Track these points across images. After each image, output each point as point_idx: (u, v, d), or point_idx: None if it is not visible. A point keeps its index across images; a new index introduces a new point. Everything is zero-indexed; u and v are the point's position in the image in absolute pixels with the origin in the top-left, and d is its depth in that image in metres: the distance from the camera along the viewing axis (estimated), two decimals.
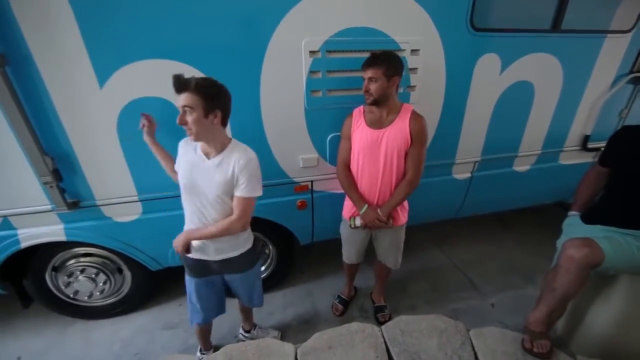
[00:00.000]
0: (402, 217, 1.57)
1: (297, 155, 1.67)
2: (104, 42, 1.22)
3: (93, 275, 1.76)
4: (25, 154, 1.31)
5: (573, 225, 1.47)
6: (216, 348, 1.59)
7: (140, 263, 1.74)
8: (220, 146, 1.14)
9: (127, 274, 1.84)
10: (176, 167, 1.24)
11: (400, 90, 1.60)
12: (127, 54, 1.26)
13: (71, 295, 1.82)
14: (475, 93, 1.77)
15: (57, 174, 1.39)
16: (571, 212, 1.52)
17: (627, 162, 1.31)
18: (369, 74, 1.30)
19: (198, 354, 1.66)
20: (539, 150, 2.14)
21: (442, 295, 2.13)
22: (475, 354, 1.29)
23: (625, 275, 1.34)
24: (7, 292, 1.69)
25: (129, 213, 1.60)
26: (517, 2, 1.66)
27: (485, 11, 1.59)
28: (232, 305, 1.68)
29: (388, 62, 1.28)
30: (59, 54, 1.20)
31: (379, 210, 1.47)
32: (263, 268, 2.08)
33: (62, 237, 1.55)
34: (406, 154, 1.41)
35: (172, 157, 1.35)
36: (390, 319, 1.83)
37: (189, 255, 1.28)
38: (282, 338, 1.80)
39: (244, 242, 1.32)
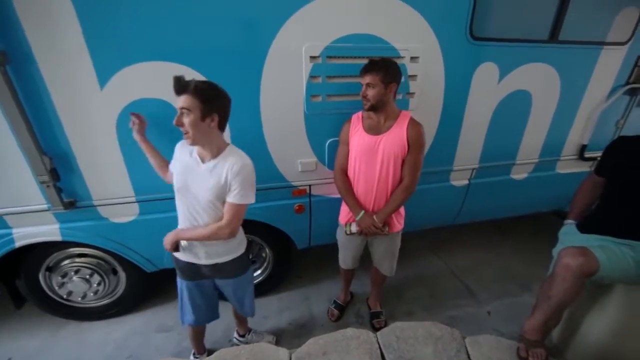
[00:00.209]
0: (398, 224, 1.57)
1: (296, 160, 1.67)
2: (106, 42, 1.23)
3: (87, 276, 1.75)
4: (23, 152, 1.31)
5: (569, 234, 1.47)
6: (210, 352, 1.57)
7: (136, 264, 1.73)
8: (215, 150, 1.13)
9: (122, 275, 1.82)
10: (171, 168, 1.24)
11: (400, 96, 1.62)
12: (129, 55, 1.27)
13: (65, 296, 1.80)
14: (473, 101, 1.78)
15: (54, 174, 1.38)
16: (567, 221, 1.53)
17: (622, 172, 1.33)
18: (366, 80, 1.31)
19: (191, 357, 1.65)
20: (537, 158, 2.15)
21: (439, 301, 2.12)
22: None
23: (621, 284, 1.34)
24: None
25: (125, 214, 1.59)
26: (515, 12, 1.69)
27: (484, 20, 1.61)
28: (227, 309, 1.67)
29: (386, 69, 1.29)
30: (61, 53, 1.21)
31: (374, 217, 1.47)
32: (259, 271, 2.07)
33: (57, 237, 1.54)
34: (403, 161, 1.41)
35: (163, 157, 1.36)
36: (386, 325, 1.82)
37: (180, 258, 1.28)
38: (277, 343, 1.79)
39: (237, 247, 1.31)
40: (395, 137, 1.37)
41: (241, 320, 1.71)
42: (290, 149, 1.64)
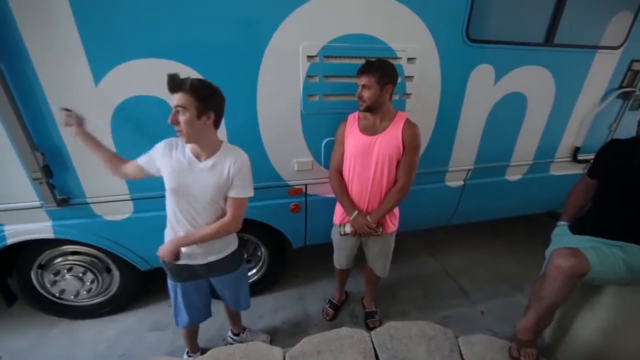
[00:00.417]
0: (392, 225, 1.57)
1: (292, 159, 1.67)
2: (101, 39, 1.22)
3: (80, 274, 1.73)
4: (15, 148, 1.29)
5: (561, 235, 1.49)
6: (204, 350, 1.57)
7: (130, 262, 1.72)
8: (211, 148, 1.13)
9: (116, 273, 1.81)
10: (142, 163, 1.18)
11: (396, 97, 1.62)
12: (125, 52, 1.26)
13: (57, 294, 1.78)
14: (469, 102, 1.79)
15: (47, 170, 1.37)
16: (560, 222, 1.55)
17: (614, 174, 1.35)
18: (362, 80, 1.31)
19: (185, 356, 1.64)
20: (531, 160, 2.17)
21: (433, 301, 2.13)
22: None
23: (611, 285, 1.36)
24: None
25: (119, 212, 1.58)
26: (511, 15, 1.70)
27: (481, 23, 1.62)
28: (221, 308, 1.67)
29: (382, 71, 1.30)
30: (55, 49, 1.19)
31: (368, 217, 1.47)
32: (254, 270, 2.07)
33: (50, 235, 1.52)
34: (398, 162, 1.42)
35: (114, 154, 1.26)
36: (380, 324, 1.83)
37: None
38: (272, 341, 1.79)
39: (230, 243, 1.32)
40: (391, 138, 1.37)
41: (235, 319, 1.71)
42: (286, 148, 1.64)
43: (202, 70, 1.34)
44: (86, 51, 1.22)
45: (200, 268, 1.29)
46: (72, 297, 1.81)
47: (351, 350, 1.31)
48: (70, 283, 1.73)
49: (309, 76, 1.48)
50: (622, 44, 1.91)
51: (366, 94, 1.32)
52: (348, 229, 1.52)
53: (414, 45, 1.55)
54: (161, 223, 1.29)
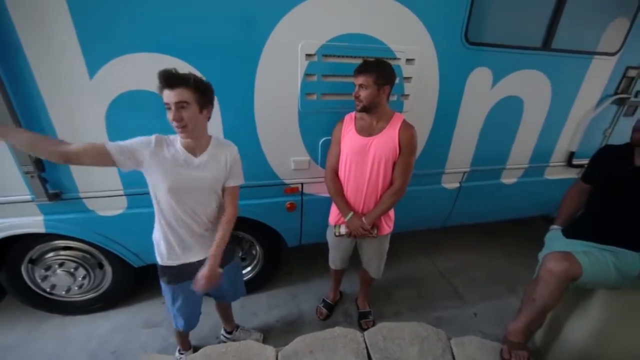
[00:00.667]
0: (387, 226, 1.57)
1: (289, 157, 1.66)
2: (97, 31, 1.20)
3: (72, 270, 1.71)
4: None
5: (554, 239, 1.50)
6: (196, 348, 1.56)
7: (122, 259, 1.70)
8: (205, 142, 1.15)
9: (108, 269, 1.79)
10: (116, 153, 1.02)
11: (394, 98, 1.62)
12: (121, 45, 1.24)
13: (48, 290, 1.76)
14: (466, 105, 1.80)
15: (39, 164, 1.35)
16: (553, 226, 1.56)
17: (608, 179, 1.36)
18: (359, 80, 1.30)
19: (177, 354, 1.63)
20: (526, 164, 2.19)
21: (427, 302, 2.14)
22: None
23: (602, 289, 1.38)
24: None
25: (113, 207, 1.56)
26: (510, 19, 1.71)
27: (480, 26, 1.62)
28: (213, 305, 1.65)
29: (379, 71, 1.28)
30: (49, 40, 1.17)
31: (363, 219, 1.47)
32: (249, 269, 2.06)
33: (41, 229, 1.50)
34: (394, 164, 1.41)
35: (56, 140, 1.03)
36: (374, 325, 1.83)
37: (172, 263, 1.23)
38: (265, 340, 1.78)
39: None
40: (387, 139, 1.37)
41: (227, 317, 1.70)
42: (283, 146, 1.63)
43: (199, 66, 1.33)
44: (81, 42, 1.20)
45: (200, 264, 1.27)
46: (63, 292, 1.79)
47: (344, 350, 1.31)
48: (61, 278, 1.71)
49: (307, 75, 1.47)
50: (618, 50, 1.93)
51: (363, 93, 1.31)
52: (343, 230, 1.52)
53: (413, 46, 1.55)
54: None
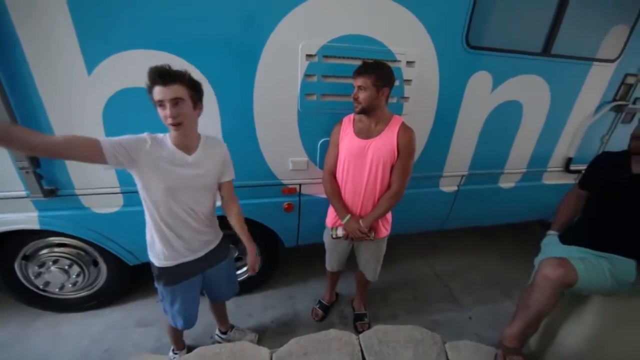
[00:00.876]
0: (384, 229, 1.56)
1: (287, 158, 1.66)
2: (95, 26, 1.19)
3: (66, 267, 1.70)
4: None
5: (551, 245, 1.50)
6: (190, 348, 1.55)
7: (118, 256, 1.69)
8: (197, 140, 1.15)
9: (103, 267, 1.78)
10: (110, 150, 0.98)
11: (394, 100, 1.62)
12: (119, 41, 1.23)
13: (41, 287, 1.74)
14: (466, 108, 1.80)
15: (34, 160, 1.34)
16: (550, 232, 1.56)
17: (605, 186, 1.36)
18: (358, 82, 1.29)
19: (170, 353, 1.62)
20: (524, 168, 2.19)
21: (423, 305, 2.14)
22: None
23: (597, 296, 1.38)
24: None
25: (109, 205, 1.55)
26: (511, 24, 1.71)
27: (480, 30, 1.62)
28: (208, 305, 1.64)
29: (378, 73, 1.28)
30: (46, 35, 1.16)
31: (360, 221, 1.46)
32: (245, 269, 2.05)
33: (35, 226, 1.49)
34: (392, 166, 1.40)
35: (54, 137, 0.95)
36: (369, 327, 1.83)
37: (170, 264, 1.21)
38: (260, 340, 1.77)
39: (219, 230, 1.36)
40: (386, 141, 1.36)
41: (222, 317, 1.69)
42: (282, 146, 1.62)
43: (199, 64, 1.32)
44: (79, 38, 1.19)
45: (197, 263, 1.27)
46: (57, 289, 1.77)
47: (339, 352, 1.30)
48: (55, 275, 1.70)
49: (307, 75, 1.46)
50: (618, 57, 1.94)
51: (362, 95, 1.30)
52: (340, 232, 1.51)
53: (414, 48, 1.55)
54: None
